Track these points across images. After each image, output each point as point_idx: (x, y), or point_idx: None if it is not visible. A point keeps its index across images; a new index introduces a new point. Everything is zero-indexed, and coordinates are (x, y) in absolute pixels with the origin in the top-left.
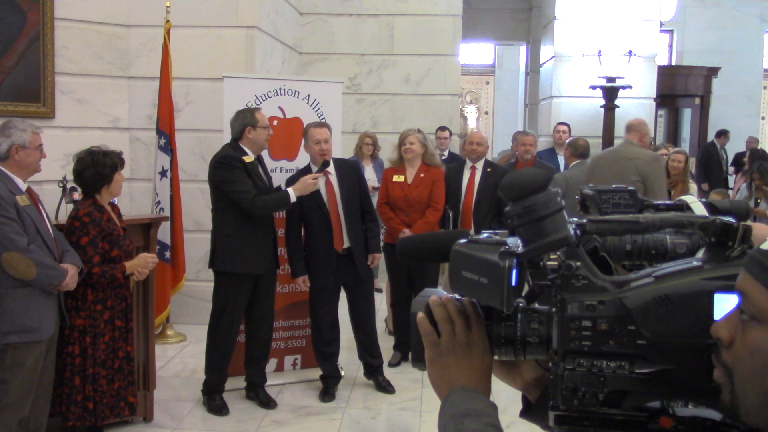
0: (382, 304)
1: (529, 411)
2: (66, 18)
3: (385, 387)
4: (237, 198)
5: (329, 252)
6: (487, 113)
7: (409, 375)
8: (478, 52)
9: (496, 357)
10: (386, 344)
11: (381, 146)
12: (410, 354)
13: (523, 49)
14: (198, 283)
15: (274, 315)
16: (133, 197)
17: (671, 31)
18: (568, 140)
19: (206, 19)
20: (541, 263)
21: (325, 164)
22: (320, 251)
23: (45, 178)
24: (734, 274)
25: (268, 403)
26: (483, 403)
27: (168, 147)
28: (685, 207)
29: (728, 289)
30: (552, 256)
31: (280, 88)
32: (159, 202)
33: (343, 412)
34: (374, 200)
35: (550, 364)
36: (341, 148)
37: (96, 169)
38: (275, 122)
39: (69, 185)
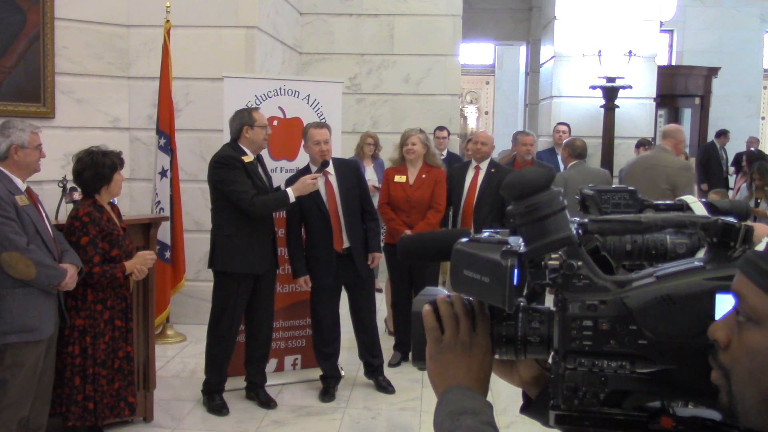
0: (381, 304)
1: (529, 407)
2: (66, 18)
3: (386, 387)
4: (236, 198)
5: (329, 252)
6: (487, 113)
7: (409, 375)
8: (478, 52)
9: (497, 356)
10: (386, 344)
11: (382, 146)
12: (410, 352)
13: (523, 49)
14: (198, 283)
15: (274, 315)
16: (133, 197)
17: (671, 31)
18: (565, 141)
19: (206, 19)
20: (543, 263)
21: (324, 164)
22: (320, 251)
23: (45, 178)
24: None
25: (268, 403)
26: (479, 401)
27: (168, 147)
28: (685, 207)
29: (730, 290)
30: (553, 256)
31: (280, 88)
32: (159, 202)
33: (343, 412)
34: (375, 200)
35: (550, 364)
36: (341, 148)
37: (95, 169)
38: (275, 122)
39: (69, 185)
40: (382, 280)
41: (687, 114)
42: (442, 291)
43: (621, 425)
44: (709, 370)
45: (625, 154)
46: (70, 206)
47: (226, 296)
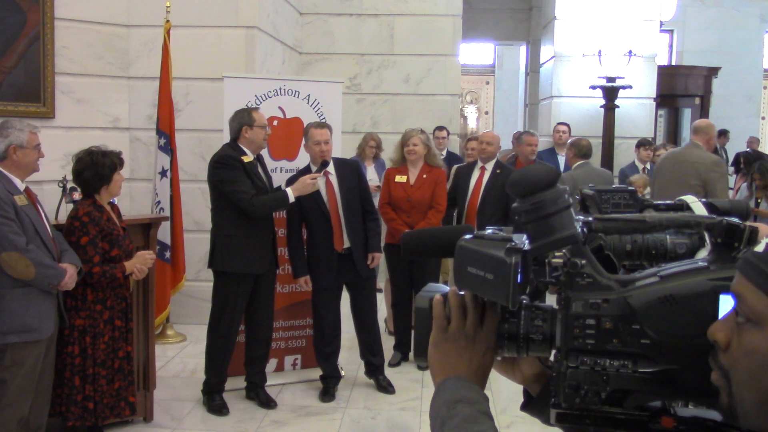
0: (381, 304)
1: (530, 405)
2: (66, 18)
3: (386, 387)
4: (236, 198)
5: (330, 252)
6: (487, 113)
7: (410, 375)
8: (479, 52)
9: (498, 358)
10: (386, 344)
11: (384, 148)
12: (412, 348)
13: (523, 49)
14: (198, 283)
15: (274, 315)
16: (133, 197)
17: (671, 31)
18: (570, 140)
19: (206, 19)
20: (546, 260)
21: (324, 164)
22: (321, 251)
23: (45, 178)
24: None
25: (268, 403)
26: (476, 392)
27: (168, 147)
28: (685, 207)
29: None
30: (557, 254)
31: (280, 88)
32: (159, 202)
33: (343, 412)
34: (376, 200)
35: (552, 361)
36: (341, 148)
37: (95, 169)
38: (275, 122)
39: (69, 185)
40: (381, 280)
41: (687, 114)
42: (444, 287)
43: (622, 424)
44: (710, 370)
45: (625, 154)
46: (70, 206)
47: (226, 296)
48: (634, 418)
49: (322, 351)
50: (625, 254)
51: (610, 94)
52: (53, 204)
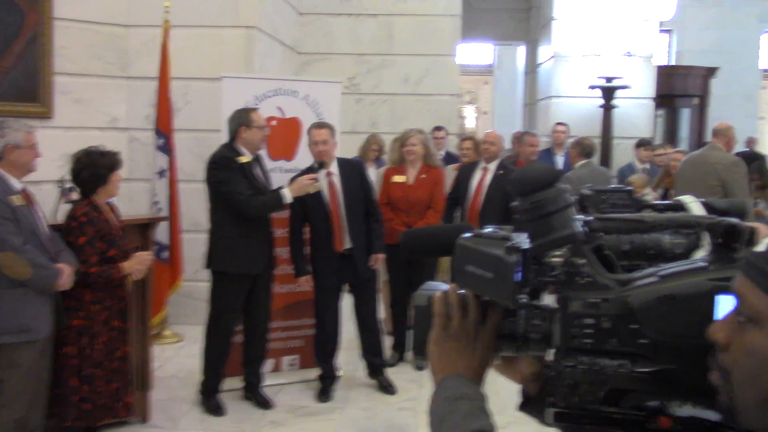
0: (378, 304)
1: (528, 404)
2: (65, 18)
3: (387, 387)
4: (232, 199)
5: (331, 252)
6: (485, 113)
7: (407, 375)
8: (478, 52)
9: (497, 359)
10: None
11: (386, 150)
12: (411, 346)
13: (522, 50)
14: (196, 284)
15: (271, 315)
16: (131, 197)
17: (670, 31)
18: (573, 140)
19: (205, 19)
20: (546, 259)
21: (321, 164)
22: (323, 251)
23: (43, 178)
24: None
25: (265, 403)
26: (475, 390)
27: (166, 147)
28: (683, 207)
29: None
30: (557, 253)
31: (278, 89)
32: (157, 202)
33: (340, 413)
34: None
35: (550, 361)
36: (340, 148)
37: (93, 170)
38: (274, 122)
39: (67, 185)
40: (379, 281)
41: (685, 114)
42: (443, 285)
43: (619, 424)
44: (708, 370)
45: (623, 154)
46: (68, 206)
47: (223, 296)
48: (632, 417)
49: (323, 351)
50: (623, 254)
51: (609, 94)
52: (51, 204)
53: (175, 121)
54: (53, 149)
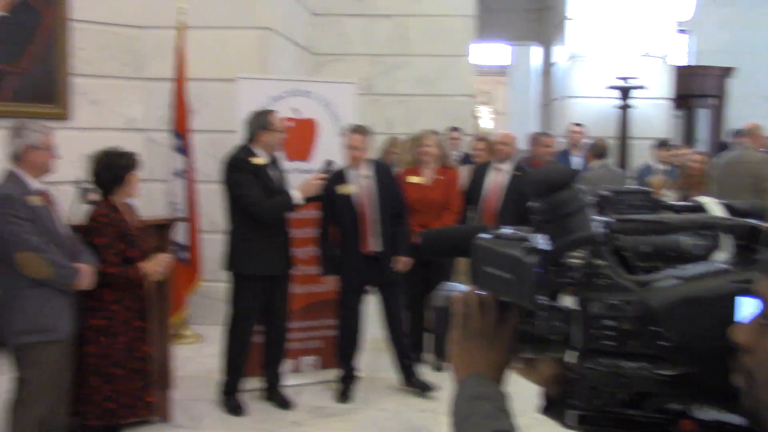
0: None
1: (548, 407)
2: (81, 20)
3: (422, 387)
4: (244, 202)
5: (358, 253)
6: (501, 114)
7: (426, 376)
8: (493, 53)
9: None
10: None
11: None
12: (431, 347)
13: (536, 50)
14: (215, 284)
15: (289, 315)
16: (148, 198)
17: (687, 31)
18: (588, 141)
19: (220, 20)
20: (564, 260)
21: (329, 164)
22: (350, 252)
23: (61, 179)
24: None
25: (285, 403)
26: (496, 389)
27: (183, 148)
28: (702, 208)
29: (754, 293)
30: (576, 254)
31: (293, 89)
32: (175, 203)
33: (360, 414)
34: None
35: (570, 363)
36: None
37: (111, 171)
38: (289, 123)
39: (85, 186)
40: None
41: (702, 115)
42: (460, 286)
43: (641, 427)
44: (731, 373)
45: (640, 155)
46: (86, 207)
47: (242, 298)
48: (654, 420)
49: (344, 352)
50: (642, 256)
51: (625, 94)
52: (69, 205)
53: (191, 122)
54: (71, 150)
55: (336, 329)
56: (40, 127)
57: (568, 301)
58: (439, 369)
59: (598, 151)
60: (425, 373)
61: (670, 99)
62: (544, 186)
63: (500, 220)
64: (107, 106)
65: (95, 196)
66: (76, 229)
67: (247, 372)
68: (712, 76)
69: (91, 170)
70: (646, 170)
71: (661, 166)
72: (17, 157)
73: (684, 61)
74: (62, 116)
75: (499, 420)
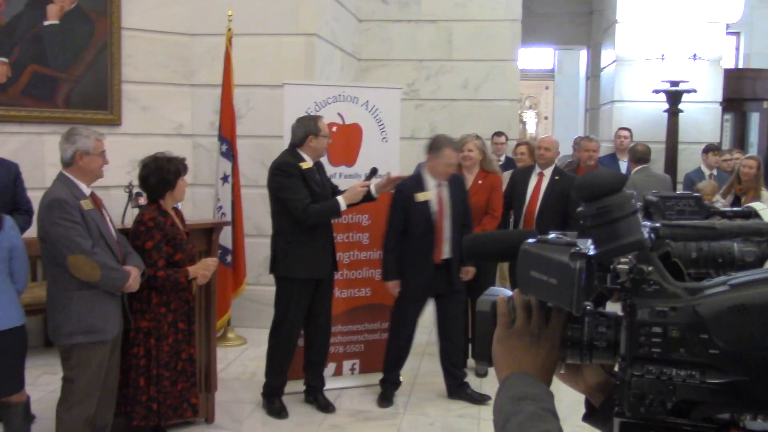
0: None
1: (592, 415)
2: (132, 28)
3: (478, 399)
4: (290, 206)
5: (428, 262)
6: (546, 118)
7: (469, 382)
8: (538, 57)
9: (562, 370)
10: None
11: None
12: (473, 350)
13: (583, 54)
14: (259, 288)
15: (332, 319)
16: (195, 202)
17: (738, 33)
18: (629, 146)
19: (267, 27)
20: (612, 266)
21: (374, 171)
22: (418, 260)
23: (111, 184)
24: None
25: (326, 407)
26: (541, 389)
27: (229, 153)
28: (753, 214)
29: None
30: (623, 260)
31: (339, 95)
32: (221, 207)
33: (400, 418)
34: None
35: (616, 370)
36: (399, 155)
37: (160, 175)
38: (334, 128)
39: (134, 190)
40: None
41: (755, 118)
42: (506, 291)
43: None
44: None
45: (689, 160)
46: (136, 211)
47: (287, 301)
48: (702, 430)
49: (394, 358)
50: (691, 262)
51: (674, 98)
52: (119, 209)
53: (237, 127)
54: (121, 155)
55: (388, 334)
56: (91, 133)
57: (613, 308)
58: (482, 374)
59: (637, 155)
60: (469, 379)
61: (720, 102)
62: (592, 190)
63: (540, 224)
64: (157, 112)
65: (144, 201)
66: (125, 232)
67: (290, 375)
68: (764, 79)
69: (141, 175)
70: (696, 175)
71: (710, 171)
72: (69, 163)
73: (733, 64)
74: (114, 122)
75: (544, 422)
